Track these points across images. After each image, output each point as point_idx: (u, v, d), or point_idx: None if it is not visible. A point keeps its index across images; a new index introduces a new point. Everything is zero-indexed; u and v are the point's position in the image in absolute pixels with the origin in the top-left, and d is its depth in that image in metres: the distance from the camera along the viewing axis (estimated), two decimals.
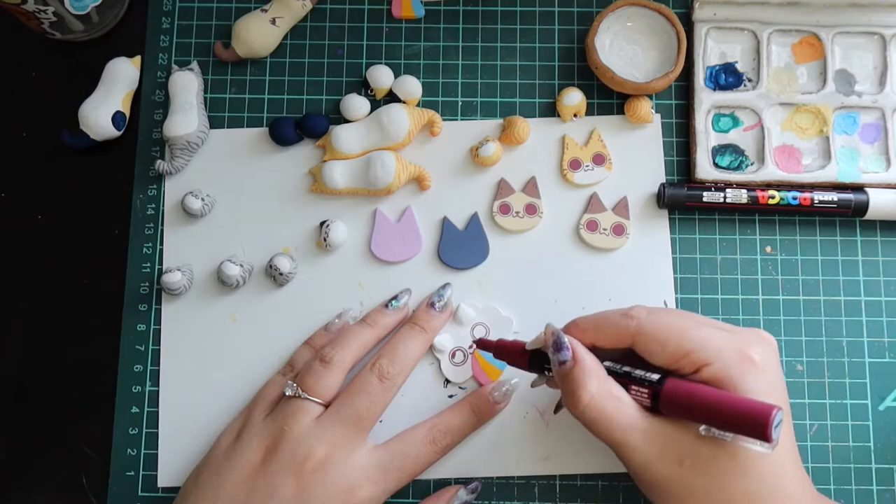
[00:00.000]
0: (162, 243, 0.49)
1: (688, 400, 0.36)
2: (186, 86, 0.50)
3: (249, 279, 0.49)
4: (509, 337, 0.47)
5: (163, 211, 0.50)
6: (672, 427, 0.37)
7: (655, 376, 0.38)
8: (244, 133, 0.51)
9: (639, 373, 0.38)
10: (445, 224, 0.49)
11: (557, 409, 0.45)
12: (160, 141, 0.51)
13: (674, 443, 0.37)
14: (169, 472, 0.47)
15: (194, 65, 0.51)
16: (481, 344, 0.44)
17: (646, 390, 0.37)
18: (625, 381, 0.38)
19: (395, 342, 0.46)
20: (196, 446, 0.47)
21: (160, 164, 0.49)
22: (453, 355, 0.47)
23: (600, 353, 0.40)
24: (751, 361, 0.37)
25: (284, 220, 0.50)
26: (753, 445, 0.35)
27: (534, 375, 0.43)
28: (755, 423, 0.33)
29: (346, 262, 0.49)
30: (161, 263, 0.49)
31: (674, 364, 0.38)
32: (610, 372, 0.39)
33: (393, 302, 0.47)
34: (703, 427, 0.36)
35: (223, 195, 0.50)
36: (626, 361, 0.40)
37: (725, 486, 0.36)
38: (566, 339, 0.39)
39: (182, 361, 0.48)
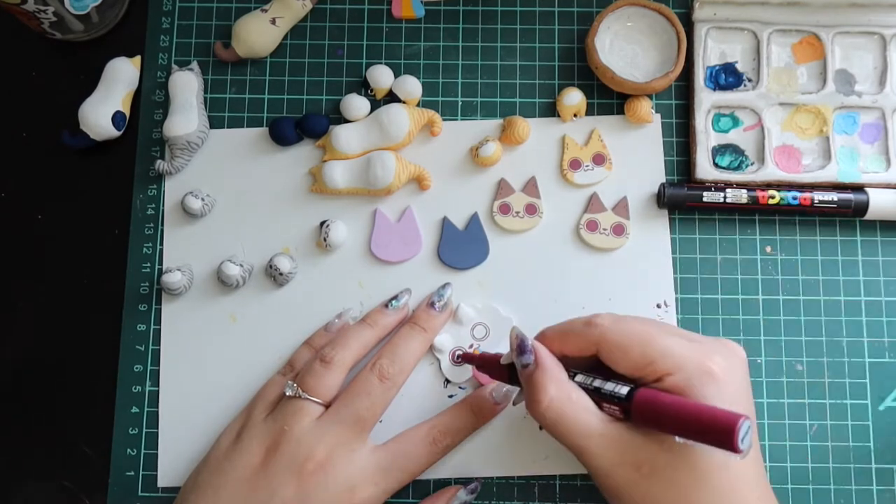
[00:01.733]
0: (162, 243, 0.49)
1: (657, 411, 0.36)
2: (186, 86, 0.50)
3: (249, 279, 0.49)
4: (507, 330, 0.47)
5: (163, 211, 0.50)
6: (631, 434, 0.37)
7: (624, 391, 0.37)
8: (244, 133, 0.51)
9: (609, 387, 0.38)
10: (445, 224, 0.49)
11: (516, 401, 0.45)
12: (160, 141, 0.51)
13: (632, 449, 0.37)
14: (169, 472, 0.47)
15: (194, 65, 0.51)
16: (466, 358, 0.46)
17: (616, 407, 0.37)
18: (595, 398, 0.38)
19: (395, 342, 0.46)
20: (196, 446, 0.47)
21: (160, 164, 0.49)
22: (453, 355, 0.47)
23: (570, 362, 0.40)
24: (710, 373, 0.37)
25: (284, 220, 0.50)
26: (724, 455, 0.34)
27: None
28: (722, 433, 0.33)
29: (346, 262, 0.49)
30: (161, 263, 0.49)
31: (637, 372, 0.38)
32: (581, 387, 0.39)
33: (393, 302, 0.47)
34: (677, 437, 0.35)
35: (223, 195, 0.50)
36: (597, 370, 0.40)
37: (683, 496, 0.36)
38: (530, 342, 0.40)
39: (182, 361, 0.48)
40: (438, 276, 0.49)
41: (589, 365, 0.40)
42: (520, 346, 0.40)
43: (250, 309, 0.49)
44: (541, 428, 0.44)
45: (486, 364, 0.44)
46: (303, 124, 0.50)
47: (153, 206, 0.50)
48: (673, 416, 0.35)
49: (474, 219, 0.49)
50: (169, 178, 0.50)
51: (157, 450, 0.47)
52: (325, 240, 0.48)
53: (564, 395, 0.38)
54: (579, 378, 0.39)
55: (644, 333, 0.38)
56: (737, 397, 0.37)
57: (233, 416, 0.46)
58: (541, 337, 0.42)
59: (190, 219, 0.50)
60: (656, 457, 0.37)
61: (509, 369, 0.42)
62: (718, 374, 0.37)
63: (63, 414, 0.48)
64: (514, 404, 0.44)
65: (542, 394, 0.38)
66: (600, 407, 0.38)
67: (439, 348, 0.47)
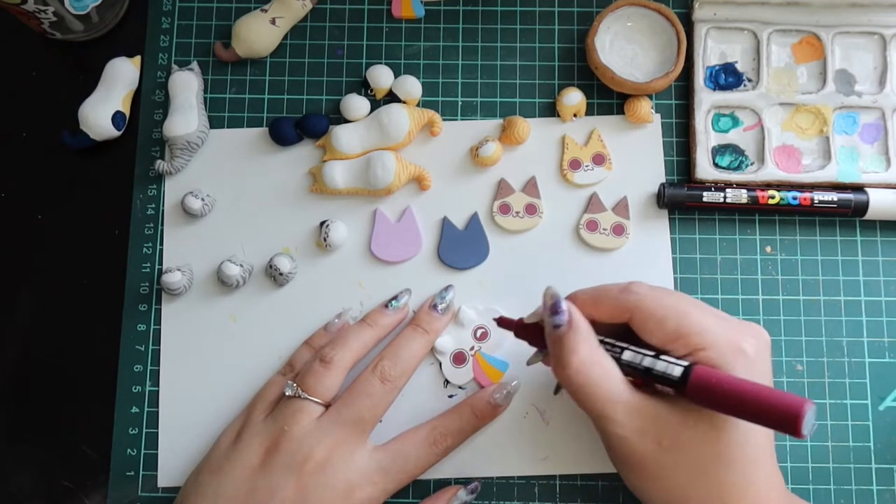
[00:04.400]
0: (162, 243, 0.49)
1: (717, 388, 0.35)
2: (186, 86, 0.50)
3: (249, 279, 0.49)
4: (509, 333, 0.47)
5: (163, 211, 0.50)
6: (657, 405, 0.38)
7: (678, 371, 0.37)
8: (244, 133, 0.51)
9: (661, 367, 0.37)
10: (445, 224, 0.49)
11: (557, 389, 0.45)
12: (160, 141, 0.51)
13: (656, 421, 0.37)
14: (169, 472, 0.47)
15: (194, 65, 0.51)
16: (502, 322, 0.44)
17: (670, 389, 0.37)
18: (645, 369, 0.38)
19: (397, 344, 0.46)
20: (196, 446, 0.47)
21: (160, 164, 0.49)
22: (454, 357, 0.47)
23: (598, 328, 0.40)
24: (744, 353, 0.37)
25: (284, 220, 0.50)
26: (744, 433, 0.35)
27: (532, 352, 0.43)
28: (788, 417, 0.33)
29: (346, 262, 0.49)
30: (161, 263, 0.49)
31: (668, 344, 0.38)
32: (631, 366, 0.39)
33: (393, 302, 0.47)
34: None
35: (223, 195, 0.50)
36: (623, 339, 0.40)
37: (701, 470, 0.37)
38: (564, 303, 0.39)
39: (182, 361, 0.48)
40: (438, 276, 0.49)
41: (615, 332, 0.40)
42: (553, 307, 0.39)
43: (250, 309, 0.49)
44: (555, 392, 0.45)
45: (524, 328, 0.43)
46: (303, 124, 0.50)
47: (153, 206, 0.50)
48: (732, 396, 0.35)
49: (474, 219, 0.49)
50: (169, 178, 0.50)
51: (157, 450, 0.47)
52: (325, 240, 0.48)
53: (595, 358, 0.38)
54: (626, 357, 0.39)
55: (680, 307, 0.39)
56: (764, 378, 0.38)
57: (233, 416, 0.46)
58: (572, 298, 0.41)
59: (190, 219, 0.50)
60: (680, 432, 0.37)
61: (540, 330, 0.41)
62: (750, 353, 0.38)
63: (63, 414, 0.48)
64: (528, 364, 0.44)
65: (573, 355, 0.38)
66: (653, 382, 0.38)
67: (440, 350, 0.47)
